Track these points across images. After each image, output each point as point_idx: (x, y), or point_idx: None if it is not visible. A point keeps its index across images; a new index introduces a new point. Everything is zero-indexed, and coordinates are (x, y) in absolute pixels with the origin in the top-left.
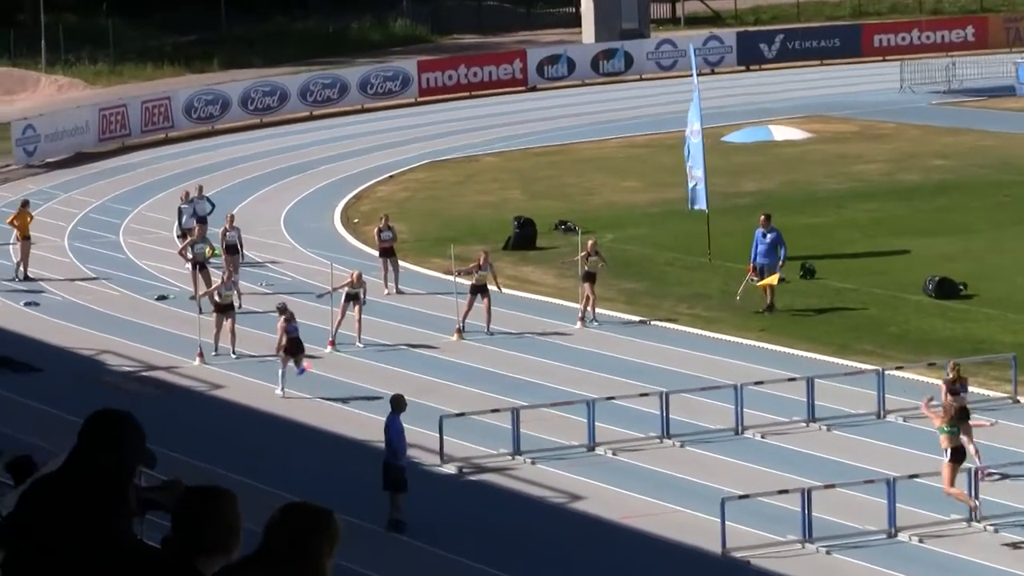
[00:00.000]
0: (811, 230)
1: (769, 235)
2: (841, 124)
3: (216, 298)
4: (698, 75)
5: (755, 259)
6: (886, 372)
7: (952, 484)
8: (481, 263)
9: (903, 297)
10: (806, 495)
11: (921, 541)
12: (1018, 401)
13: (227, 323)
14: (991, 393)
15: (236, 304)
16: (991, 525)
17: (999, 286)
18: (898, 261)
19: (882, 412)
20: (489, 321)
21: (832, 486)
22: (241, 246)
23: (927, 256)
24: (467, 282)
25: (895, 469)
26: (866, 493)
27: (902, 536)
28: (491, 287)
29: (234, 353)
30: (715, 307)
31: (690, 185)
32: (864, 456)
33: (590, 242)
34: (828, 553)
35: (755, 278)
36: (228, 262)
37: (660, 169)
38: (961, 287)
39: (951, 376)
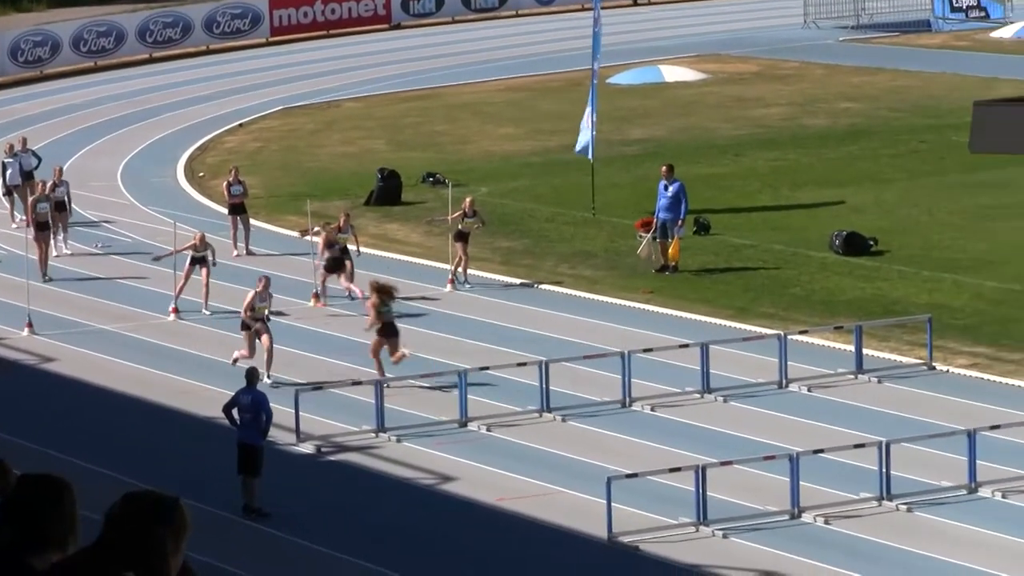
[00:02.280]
0: (706, 181)
1: (671, 187)
2: (739, 64)
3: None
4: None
5: (657, 213)
6: (788, 337)
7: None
8: (342, 224)
9: (807, 254)
10: (700, 473)
11: (827, 522)
12: (934, 367)
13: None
14: (904, 359)
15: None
16: (903, 504)
17: (913, 241)
18: (802, 215)
19: (784, 381)
20: (351, 286)
21: (729, 463)
22: (70, 202)
23: (834, 209)
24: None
25: (798, 444)
26: (766, 470)
27: (806, 517)
28: (352, 247)
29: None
30: (600, 266)
31: (584, 129)
32: (764, 429)
33: (468, 200)
34: (725, 536)
35: (644, 234)
36: (56, 220)
37: (541, 115)
38: (871, 243)
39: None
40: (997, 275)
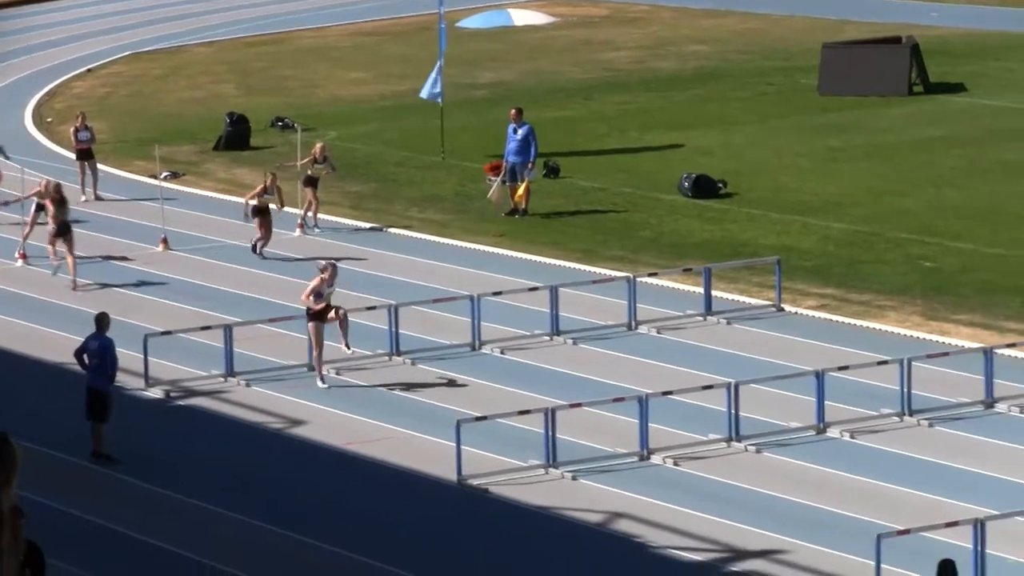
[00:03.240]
0: (556, 124)
1: (520, 130)
2: (589, 7)
3: None
4: None
5: (506, 157)
6: (638, 279)
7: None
8: (268, 185)
9: (656, 197)
10: (550, 416)
11: (676, 464)
12: (782, 309)
13: None
14: (753, 301)
15: None
16: (751, 445)
17: (762, 184)
18: (651, 158)
19: (633, 323)
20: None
21: (578, 405)
22: None
23: (683, 152)
24: (251, 201)
25: (647, 385)
26: (616, 412)
27: (655, 458)
28: (272, 207)
29: None
30: (450, 210)
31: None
32: (614, 372)
33: (319, 146)
34: (574, 478)
35: (493, 178)
36: None
37: (390, 59)
38: (720, 185)
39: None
40: (845, 217)
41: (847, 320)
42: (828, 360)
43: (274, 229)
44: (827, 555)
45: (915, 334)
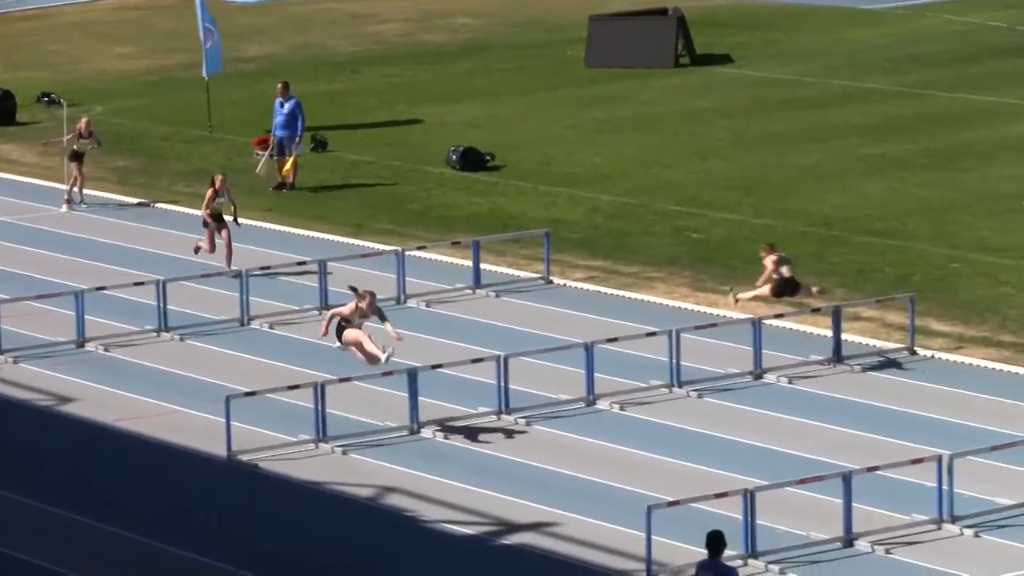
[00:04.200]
0: (323, 98)
1: (287, 104)
2: None
3: None
4: None
5: (274, 131)
6: (406, 252)
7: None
8: (218, 187)
9: (424, 170)
10: (319, 390)
11: (446, 437)
12: (551, 281)
13: None
14: (521, 273)
15: None
16: (521, 418)
17: (529, 156)
18: (419, 130)
19: (402, 296)
20: (230, 258)
21: (348, 379)
22: None
23: (450, 124)
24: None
25: (417, 359)
26: (385, 387)
27: (425, 432)
28: (228, 217)
29: None
30: None
31: (205, 47)
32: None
33: (84, 120)
34: (344, 452)
35: (260, 152)
36: None
37: (156, 33)
38: (487, 158)
39: None
40: (612, 189)
41: (616, 292)
42: (597, 332)
43: (36, 204)
44: (598, 527)
45: (683, 305)
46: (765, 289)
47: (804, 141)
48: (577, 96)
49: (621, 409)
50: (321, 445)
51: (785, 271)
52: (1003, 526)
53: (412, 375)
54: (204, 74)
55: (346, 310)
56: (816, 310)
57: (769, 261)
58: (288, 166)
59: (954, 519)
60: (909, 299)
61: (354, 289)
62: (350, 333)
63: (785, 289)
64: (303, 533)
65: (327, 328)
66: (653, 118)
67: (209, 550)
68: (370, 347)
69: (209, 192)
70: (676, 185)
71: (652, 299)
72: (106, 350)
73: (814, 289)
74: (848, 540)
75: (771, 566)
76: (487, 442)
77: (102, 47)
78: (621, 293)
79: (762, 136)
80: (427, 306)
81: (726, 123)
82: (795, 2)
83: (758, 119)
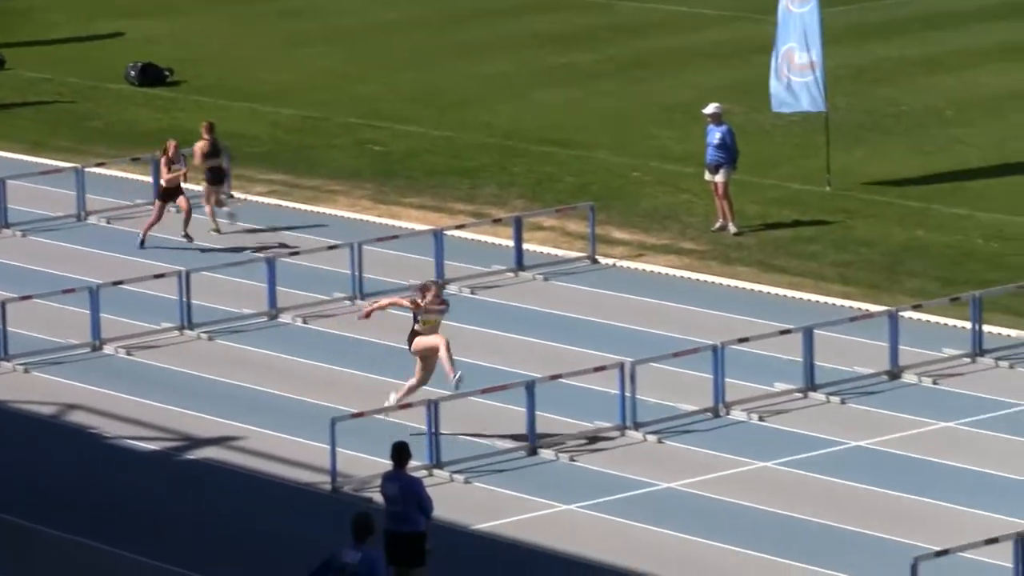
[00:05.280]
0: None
1: None
2: None
3: None
4: None
5: None
6: (86, 170)
7: None
8: (171, 154)
9: (104, 87)
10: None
11: (129, 353)
12: (232, 196)
13: None
14: (200, 188)
15: None
16: (204, 333)
17: (210, 71)
18: (97, 47)
19: (83, 214)
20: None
21: (28, 297)
22: None
23: (129, 40)
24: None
25: (98, 276)
26: (66, 303)
27: (108, 348)
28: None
29: None
30: None
31: None
32: (63, 263)
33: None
34: (27, 371)
35: None
36: None
37: None
38: (167, 73)
39: None
40: (296, 103)
41: (297, 205)
42: (279, 246)
43: None
44: (283, 440)
45: (366, 218)
46: None
47: (491, 51)
48: (264, 10)
49: (304, 322)
50: (2, 363)
51: None
52: (685, 432)
53: (93, 293)
54: None
55: (410, 305)
56: (497, 220)
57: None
58: None
59: (637, 426)
60: (590, 208)
61: (426, 287)
62: (426, 341)
63: None
64: None
65: (372, 312)
66: (343, 30)
67: None
68: (444, 357)
69: (163, 160)
70: (362, 98)
71: (334, 212)
72: None
73: None
74: (533, 448)
75: (456, 476)
76: (169, 358)
77: None
78: (303, 207)
79: (450, 47)
80: (107, 223)
81: (415, 34)
82: None
83: (439, 31)
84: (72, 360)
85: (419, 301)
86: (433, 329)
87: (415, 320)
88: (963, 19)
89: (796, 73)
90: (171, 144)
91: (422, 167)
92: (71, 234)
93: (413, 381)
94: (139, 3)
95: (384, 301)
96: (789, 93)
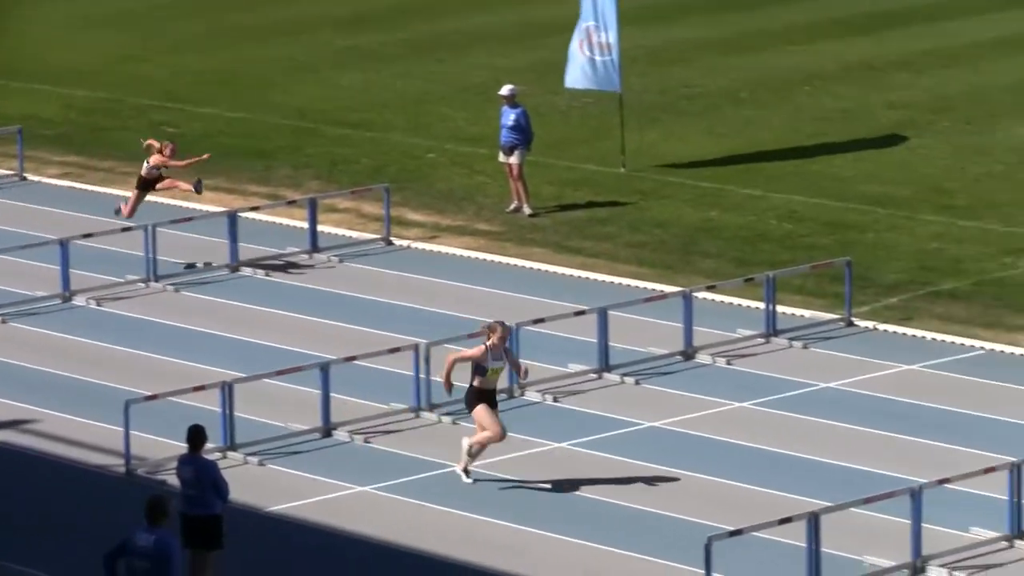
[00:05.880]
0: None
1: None
2: None
3: None
4: None
5: None
6: None
7: None
8: (168, 154)
9: None
10: None
11: None
12: (24, 178)
13: None
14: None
15: None
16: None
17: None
18: None
19: None
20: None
21: None
22: None
23: None
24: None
25: None
26: None
27: None
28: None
29: None
30: None
31: None
32: None
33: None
34: None
35: None
36: None
37: None
38: None
39: None
40: (87, 84)
41: (91, 187)
42: (73, 228)
43: None
44: (77, 423)
45: (160, 200)
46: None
47: (278, 34)
48: None
49: (98, 304)
50: None
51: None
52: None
53: None
54: None
55: (475, 352)
56: (292, 202)
57: None
58: None
59: (432, 407)
60: (384, 190)
61: (491, 328)
62: (484, 417)
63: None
64: None
65: (449, 379)
66: (127, 12)
67: None
68: (477, 442)
69: (157, 158)
70: (151, 80)
71: (127, 194)
72: None
73: None
74: (327, 430)
75: (250, 457)
76: None
77: None
78: (96, 188)
79: (235, 29)
80: None
81: (199, 17)
82: None
83: (231, 12)
84: None
85: (485, 344)
86: (494, 383)
87: (477, 373)
88: (757, 1)
89: (596, 51)
90: (168, 147)
91: (216, 149)
92: None
93: (488, 436)
94: None
95: (449, 363)
96: (587, 70)
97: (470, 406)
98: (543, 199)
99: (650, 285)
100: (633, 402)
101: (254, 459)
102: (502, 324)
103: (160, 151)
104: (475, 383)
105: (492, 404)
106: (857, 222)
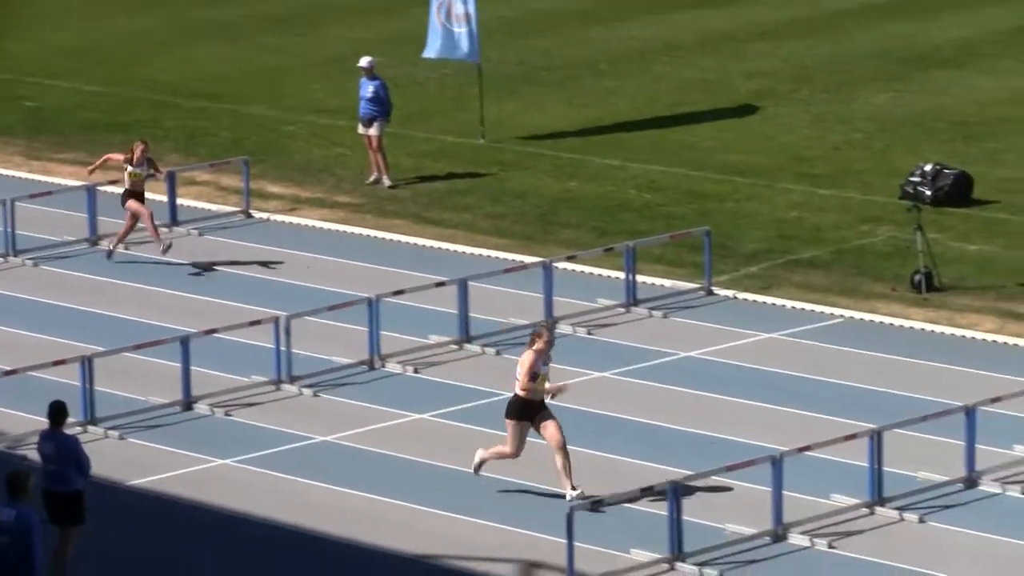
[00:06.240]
0: None
1: None
2: None
3: None
4: None
5: None
6: None
7: None
8: (137, 156)
9: None
10: None
11: None
12: None
13: None
14: None
15: None
16: None
17: None
18: None
19: None
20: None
21: None
22: None
23: None
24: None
25: None
26: None
27: None
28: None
29: None
30: None
31: None
32: None
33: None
34: None
35: None
36: None
37: None
38: None
39: None
40: None
41: None
42: None
43: None
44: None
45: (18, 174)
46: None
47: (140, 6)
48: None
49: None
50: None
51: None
52: (340, 384)
53: None
54: None
55: (531, 359)
56: (150, 175)
57: None
58: None
59: (292, 379)
60: (243, 162)
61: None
62: (517, 431)
63: None
64: None
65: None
66: None
67: None
68: (563, 468)
69: (120, 159)
70: (10, 55)
71: None
72: None
73: None
74: (188, 403)
75: (111, 432)
76: None
77: None
78: None
79: (98, 2)
80: None
81: None
82: None
83: None
84: None
85: (533, 350)
86: (542, 393)
87: (532, 379)
88: None
89: (454, 23)
90: (139, 147)
91: (74, 122)
92: None
93: (506, 450)
94: None
95: (525, 375)
96: (446, 41)
97: (512, 416)
98: (402, 171)
99: (510, 256)
100: (494, 373)
101: (115, 433)
102: (548, 328)
103: (130, 159)
104: (522, 393)
105: (532, 418)
106: (716, 191)
